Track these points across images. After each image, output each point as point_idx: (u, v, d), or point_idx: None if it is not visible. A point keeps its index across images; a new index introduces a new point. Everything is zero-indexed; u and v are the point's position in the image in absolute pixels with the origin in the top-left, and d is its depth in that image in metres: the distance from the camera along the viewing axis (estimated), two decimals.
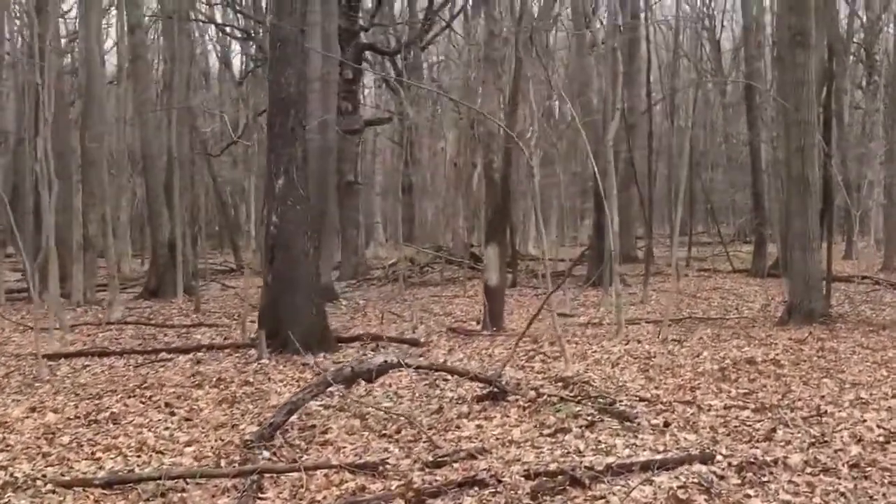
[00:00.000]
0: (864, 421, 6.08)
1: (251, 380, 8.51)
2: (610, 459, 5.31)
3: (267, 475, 5.33)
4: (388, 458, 5.61)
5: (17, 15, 23.99)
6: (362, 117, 23.66)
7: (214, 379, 8.56)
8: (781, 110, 12.90)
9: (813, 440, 5.66)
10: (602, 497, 4.74)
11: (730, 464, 5.17)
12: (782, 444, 5.61)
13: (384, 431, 6.36)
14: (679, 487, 4.81)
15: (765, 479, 4.95)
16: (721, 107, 35.94)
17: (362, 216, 24.45)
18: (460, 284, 18.65)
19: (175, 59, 18.39)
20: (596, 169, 12.15)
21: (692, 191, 23.49)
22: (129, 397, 7.81)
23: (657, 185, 27.36)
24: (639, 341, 10.26)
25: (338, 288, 17.67)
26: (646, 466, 5.10)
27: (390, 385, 7.88)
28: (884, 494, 4.73)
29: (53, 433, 6.60)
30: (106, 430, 6.68)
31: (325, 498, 5.00)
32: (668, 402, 6.84)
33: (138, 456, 5.96)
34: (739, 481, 4.93)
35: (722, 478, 4.97)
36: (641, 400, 6.92)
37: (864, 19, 28.17)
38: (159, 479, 5.26)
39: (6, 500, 5.11)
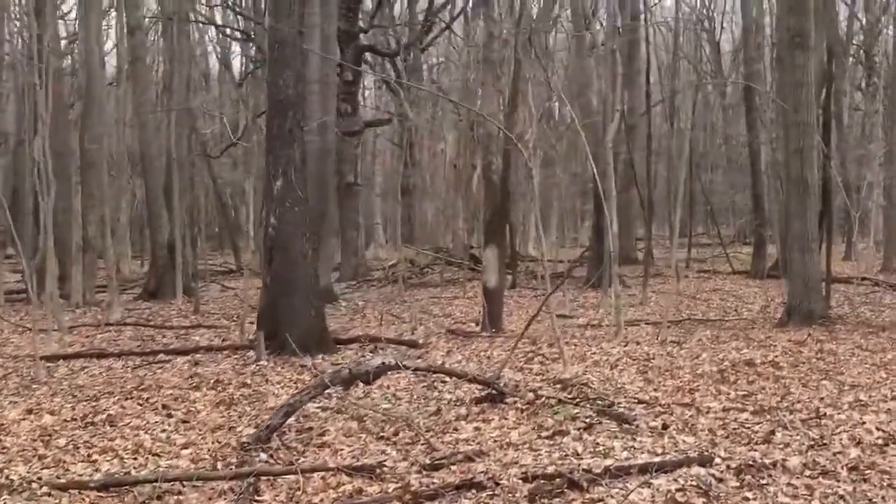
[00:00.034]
0: (864, 423, 6.06)
1: (249, 381, 8.49)
2: (608, 462, 5.29)
3: (263, 478, 5.32)
4: (385, 461, 5.60)
5: (17, 16, 23.99)
6: (362, 119, 23.65)
7: (212, 381, 8.54)
8: (781, 112, 12.88)
9: (812, 443, 5.65)
10: (600, 500, 4.73)
11: (728, 466, 5.16)
12: (781, 446, 5.60)
13: (382, 433, 6.35)
14: (677, 490, 4.79)
15: (763, 481, 4.94)
16: (721, 108, 35.96)
17: (362, 217, 24.44)
18: (460, 286, 18.64)
19: (174, 61, 18.39)
20: (595, 170, 12.13)
21: (692, 192, 23.48)
22: (127, 399, 7.79)
23: (657, 186, 27.38)
24: (638, 343, 10.24)
25: (337, 289, 17.66)
26: (644, 469, 5.09)
27: (388, 387, 7.86)
28: (883, 497, 4.71)
29: (50, 435, 6.59)
30: (102, 432, 6.67)
31: (321, 501, 4.99)
32: (667, 404, 6.82)
33: (135, 458, 5.95)
34: (738, 484, 4.91)
35: (720, 480, 4.95)
36: (640, 402, 6.90)
37: (864, 21, 28.16)
38: (155, 481, 5.24)
39: (1, 502, 5.10)
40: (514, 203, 20.77)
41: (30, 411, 7.41)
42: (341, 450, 5.99)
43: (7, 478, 5.49)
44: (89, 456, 6.02)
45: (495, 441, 5.97)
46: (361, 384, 7.17)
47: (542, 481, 4.97)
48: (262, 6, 23.10)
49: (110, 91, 25.54)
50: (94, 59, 17.42)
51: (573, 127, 17.89)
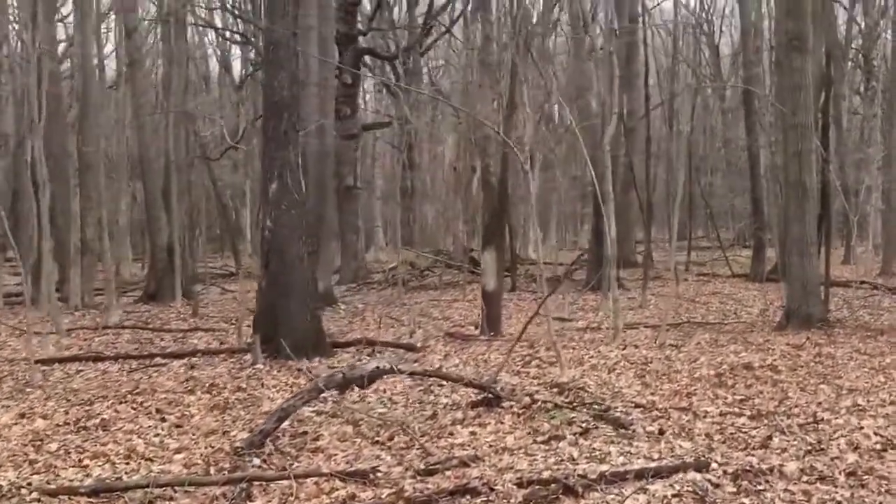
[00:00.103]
0: (862, 428, 6.01)
1: (244, 385, 8.44)
2: (604, 467, 5.25)
3: (256, 483, 5.27)
4: (379, 466, 5.55)
5: (16, 19, 23.97)
6: (360, 121, 23.63)
7: (207, 384, 8.50)
8: (780, 115, 12.87)
9: (809, 448, 5.60)
10: None
11: (725, 472, 5.11)
12: (778, 451, 5.55)
13: (377, 438, 6.30)
14: (674, 496, 4.75)
15: (760, 487, 4.89)
16: (720, 111, 35.96)
17: (362, 220, 24.42)
18: (460, 288, 18.61)
19: (172, 63, 18.37)
20: (594, 173, 12.10)
21: (691, 195, 23.47)
22: (121, 403, 7.74)
23: (656, 189, 27.34)
24: (636, 346, 10.19)
25: (337, 292, 17.64)
26: (640, 474, 5.04)
27: (384, 391, 7.81)
28: (881, 503, 4.67)
29: (41, 440, 6.53)
30: (95, 436, 6.61)
31: None
32: (664, 408, 6.77)
33: (127, 463, 5.89)
34: (735, 489, 4.87)
35: (717, 486, 4.91)
36: (637, 406, 6.85)
37: (863, 25, 28.13)
38: (147, 486, 5.18)
39: None
40: (514, 206, 20.75)
41: (22, 415, 7.36)
42: (335, 455, 5.94)
43: None
44: (81, 461, 5.96)
45: (491, 446, 5.92)
46: (358, 388, 7.13)
47: (536, 487, 4.92)
48: (260, 9, 23.11)
49: (110, 94, 25.52)
50: (90, 62, 17.44)
51: (572, 130, 17.87)
